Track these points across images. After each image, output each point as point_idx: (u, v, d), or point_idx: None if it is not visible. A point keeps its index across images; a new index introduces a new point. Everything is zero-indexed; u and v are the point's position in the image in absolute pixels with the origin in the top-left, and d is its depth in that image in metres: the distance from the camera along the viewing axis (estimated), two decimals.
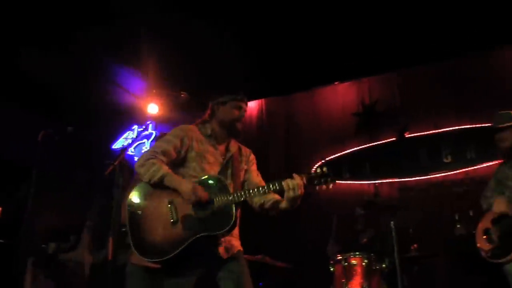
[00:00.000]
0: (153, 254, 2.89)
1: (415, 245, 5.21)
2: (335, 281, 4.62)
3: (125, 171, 4.58)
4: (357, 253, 4.61)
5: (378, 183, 7.10)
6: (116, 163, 3.64)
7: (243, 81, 6.89)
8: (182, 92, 4.92)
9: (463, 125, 6.84)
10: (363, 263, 4.53)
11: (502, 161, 4.08)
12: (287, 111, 8.09)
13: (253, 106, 8.27)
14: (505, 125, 3.90)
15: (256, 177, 3.33)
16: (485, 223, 3.97)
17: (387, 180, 7.10)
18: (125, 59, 7.16)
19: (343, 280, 4.51)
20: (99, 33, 6.33)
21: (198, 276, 3.00)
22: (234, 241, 3.16)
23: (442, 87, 7.04)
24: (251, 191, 2.96)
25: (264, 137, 8.01)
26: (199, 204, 2.90)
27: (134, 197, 3.05)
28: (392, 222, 4.45)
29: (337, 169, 7.40)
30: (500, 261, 3.75)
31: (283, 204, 3.03)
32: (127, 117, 8.34)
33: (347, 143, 7.49)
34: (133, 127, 8.63)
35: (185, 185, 2.93)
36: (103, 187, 6.19)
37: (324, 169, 2.89)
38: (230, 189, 3.06)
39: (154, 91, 7.77)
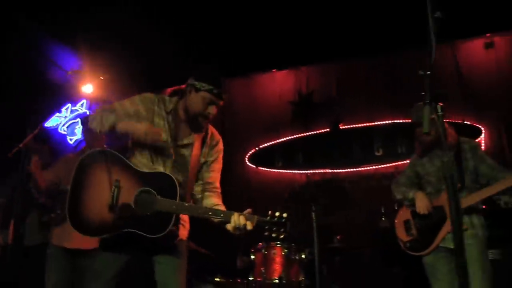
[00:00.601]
0: (85, 229, 2.76)
1: (338, 237, 5.29)
2: (254, 269, 4.64)
3: (44, 152, 4.42)
4: (277, 242, 4.63)
5: (310, 173, 7.20)
6: (21, 145, 3.48)
7: (181, 64, 6.82)
8: (101, 75, 4.74)
9: (396, 120, 7.02)
10: (283, 253, 4.57)
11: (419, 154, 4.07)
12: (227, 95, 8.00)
13: None
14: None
15: (213, 177, 3.10)
16: (405, 214, 4.03)
17: (319, 171, 7.21)
18: (60, 35, 6.91)
19: (262, 269, 4.54)
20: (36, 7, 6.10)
21: (132, 255, 2.87)
22: (180, 230, 3.01)
23: (378, 81, 7.19)
24: (197, 210, 2.81)
25: None
26: (143, 203, 2.75)
27: (83, 165, 2.86)
28: (313, 213, 4.46)
29: (270, 157, 7.46)
30: (417, 254, 3.84)
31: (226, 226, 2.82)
32: (60, 94, 8.05)
33: (282, 131, 7.55)
34: (66, 106, 8.38)
35: (138, 126, 2.80)
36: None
37: (284, 215, 2.68)
38: (181, 178, 2.90)
39: (89, 70, 7.54)
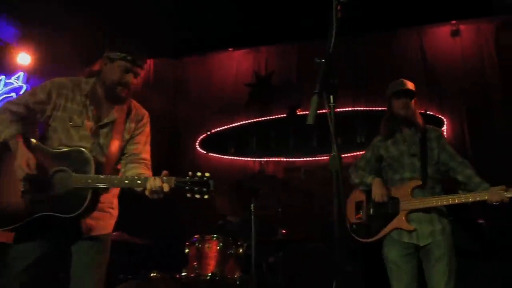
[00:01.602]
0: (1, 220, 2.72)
1: (283, 230, 5.21)
2: (188, 263, 4.52)
3: None
4: (214, 235, 4.52)
5: (264, 161, 7.11)
6: None
7: (132, 38, 6.58)
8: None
9: (357, 107, 6.95)
10: (218, 247, 4.46)
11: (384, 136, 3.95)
12: (177, 75, 7.88)
13: None
14: (406, 88, 3.78)
15: (138, 149, 3.10)
16: (359, 195, 3.95)
17: (274, 159, 7.13)
18: None
19: (195, 263, 4.42)
20: None
21: (47, 246, 2.79)
22: (103, 221, 2.98)
23: (341, 65, 7.08)
24: (114, 180, 2.78)
25: (148, 101, 7.70)
26: (58, 183, 2.72)
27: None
28: (252, 205, 4.37)
29: (222, 142, 7.34)
30: (358, 239, 3.80)
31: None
32: None
33: (236, 115, 7.44)
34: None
35: (20, 156, 2.71)
36: None
37: (207, 174, 2.69)
38: (101, 158, 2.89)
39: (26, 38, 7.24)
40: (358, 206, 3.92)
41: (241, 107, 7.43)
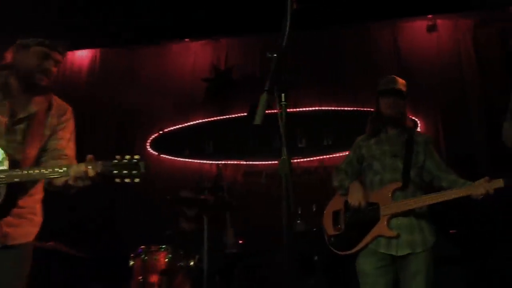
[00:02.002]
0: None
1: (240, 241, 5.22)
2: (133, 277, 4.48)
3: None
4: (161, 246, 4.50)
5: (221, 164, 7.08)
6: None
7: (75, 25, 6.52)
8: None
9: (324, 107, 7.01)
10: (166, 259, 4.44)
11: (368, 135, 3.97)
12: (127, 67, 7.77)
13: (84, 55, 7.89)
14: (396, 87, 3.81)
15: (62, 144, 3.08)
16: (337, 203, 3.95)
17: (233, 162, 7.13)
18: None
19: (140, 278, 4.39)
20: None
21: None
22: (23, 228, 2.90)
23: (308, 60, 7.12)
24: (31, 174, 2.71)
25: (93, 95, 7.63)
26: None
27: None
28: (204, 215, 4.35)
29: (175, 143, 7.30)
30: (339, 252, 3.78)
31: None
32: None
33: (192, 113, 7.40)
34: None
35: None
36: None
37: (136, 156, 2.70)
38: (20, 157, 2.83)
39: None
40: (336, 216, 3.91)
41: (198, 104, 7.39)
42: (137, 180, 2.66)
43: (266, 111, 6.77)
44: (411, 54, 6.98)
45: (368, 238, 3.60)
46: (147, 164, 2.71)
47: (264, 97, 2.01)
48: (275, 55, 2.05)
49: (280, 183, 6.66)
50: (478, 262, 5.04)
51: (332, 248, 3.82)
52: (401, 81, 3.87)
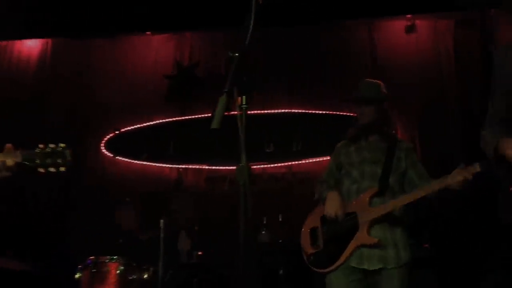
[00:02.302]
0: None
1: (199, 252, 5.19)
2: None
3: None
4: (113, 257, 4.44)
5: (182, 168, 7.06)
6: None
7: (25, 12, 6.43)
8: None
9: (294, 109, 7.03)
10: (118, 271, 4.38)
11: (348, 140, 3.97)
12: (82, 60, 7.68)
13: (33, 45, 7.77)
14: (361, 95, 3.81)
15: None
16: (314, 220, 3.91)
17: (195, 166, 7.10)
18: None
19: None
20: None
21: None
22: None
23: (278, 60, 7.14)
24: None
25: (43, 88, 7.52)
26: None
27: None
28: (161, 221, 4.32)
29: (133, 145, 7.25)
30: (320, 270, 3.74)
31: None
32: None
33: (152, 112, 7.35)
34: None
35: None
36: None
37: (62, 145, 2.70)
38: None
39: None
40: (314, 233, 3.88)
41: (158, 102, 7.36)
42: (62, 169, 2.66)
43: (230, 112, 6.76)
44: (388, 55, 7.07)
45: (348, 250, 3.55)
46: (72, 152, 2.70)
47: (223, 99, 2.01)
48: (236, 54, 2.02)
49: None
50: (451, 264, 5.21)
51: (312, 267, 3.78)
52: (373, 87, 3.87)
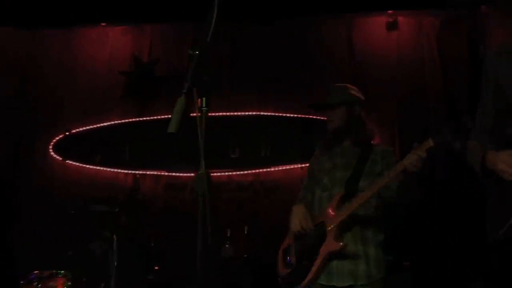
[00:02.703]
0: None
1: (156, 267, 5.21)
2: None
3: None
4: (60, 271, 4.44)
5: (139, 174, 7.05)
6: None
7: None
8: None
9: (262, 112, 7.08)
10: (65, 287, 4.38)
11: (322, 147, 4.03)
12: (28, 52, 7.62)
13: None
14: (334, 102, 3.88)
15: None
16: (289, 238, 3.95)
17: (153, 172, 7.12)
18: None
19: None
20: None
21: None
22: None
23: (247, 58, 7.18)
24: None
25: None
26: None
27: None
28: (114, 235, 4.34)
29: (85, 147, 7.23)
30: None
31: None
32: None
33: (106, 112, 7.32)
34: None
35: None
36: None
37: None
38: None
39: None
40: (287, 252, 3.92)
41: (113, 102, 7.34)
42: None
43: (192, 114, 6.79)
44: (367, 55, 7.15)
45: (318, 260, 3.58)
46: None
47: (181, 101, 2.04)
48: (196, 52, 2.06)
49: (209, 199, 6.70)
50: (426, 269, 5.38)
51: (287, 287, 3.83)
52: (339, 90, 3.96)
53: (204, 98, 2.19)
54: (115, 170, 7.19)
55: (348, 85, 4.01)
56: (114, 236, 4.47)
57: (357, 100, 3.94)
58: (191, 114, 2.15)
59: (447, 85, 6.83)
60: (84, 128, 7.32)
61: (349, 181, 3.72)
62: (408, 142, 6.48)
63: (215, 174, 6.85)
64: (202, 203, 2.07)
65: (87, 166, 7.22)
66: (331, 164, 3.85)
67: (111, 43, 7.67)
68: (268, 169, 6.92)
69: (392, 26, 7.18)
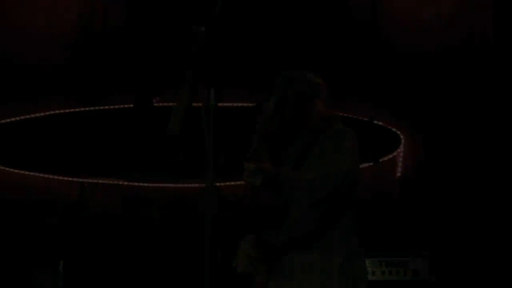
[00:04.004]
0: None
1: None
2: None
3: None
4: None
5: (88, 183, 7.10)
6: None
7: None
8: None
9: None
10: None
11: None
12: None
13: None
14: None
15: None
16: None
17: (106, 181, 7.24)
18: None
19: None
20: None
21: None
22: None
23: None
24: None
25: None
26: None
27: None
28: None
29: (15, 145, 7.24)
30: None
31: None
32: None
33: (42, 99, 7.34)
34: None
35: None
36: None
37: None
38: None
39: None
40: None
41: (53, 85, 7.34)
42: None
43: (158, 103, 6.85)
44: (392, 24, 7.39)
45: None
46: None
47: (184, 94, 2.06)
48: (203, 28, 2.08)
49: (182, 219, 6.85)
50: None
51: None
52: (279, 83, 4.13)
53: (212, 89, 2.13)
54: (55, 177, 7.28)
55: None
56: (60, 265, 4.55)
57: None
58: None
59: None
60: (12, 119, 7.31)
61: None
62: None
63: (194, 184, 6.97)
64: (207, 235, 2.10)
65: (17, 171, 7.24)
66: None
67: (48, 7, 7.62)
68: None
69: None
